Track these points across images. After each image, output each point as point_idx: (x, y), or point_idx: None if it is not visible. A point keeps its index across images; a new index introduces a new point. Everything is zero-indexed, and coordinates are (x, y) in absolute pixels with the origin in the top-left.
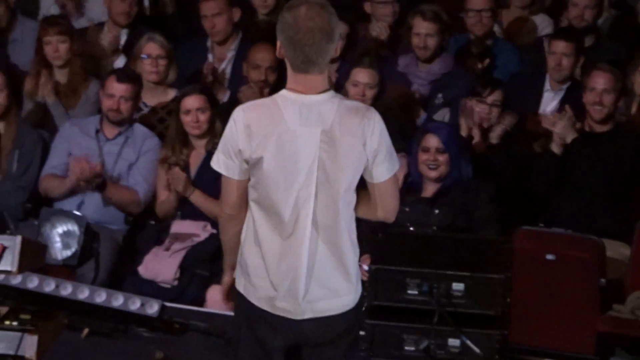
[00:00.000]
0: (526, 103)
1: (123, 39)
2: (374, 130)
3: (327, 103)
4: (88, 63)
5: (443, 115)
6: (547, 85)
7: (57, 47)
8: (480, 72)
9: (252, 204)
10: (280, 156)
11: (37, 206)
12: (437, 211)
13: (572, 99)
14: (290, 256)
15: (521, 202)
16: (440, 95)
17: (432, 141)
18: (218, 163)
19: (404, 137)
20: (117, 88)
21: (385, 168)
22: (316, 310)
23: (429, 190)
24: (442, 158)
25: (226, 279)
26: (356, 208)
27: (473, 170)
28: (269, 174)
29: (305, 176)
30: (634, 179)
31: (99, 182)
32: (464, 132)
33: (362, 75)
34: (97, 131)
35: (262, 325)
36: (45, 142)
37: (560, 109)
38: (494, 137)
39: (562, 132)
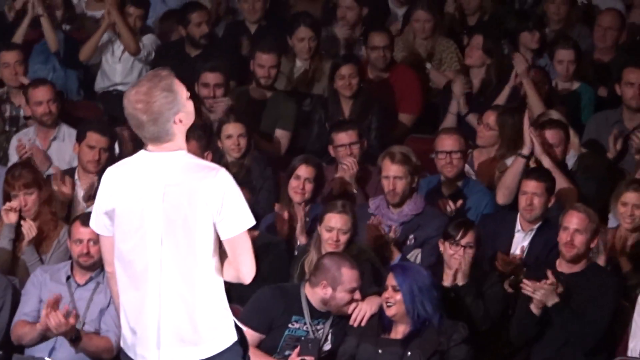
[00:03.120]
0: (498, 243)
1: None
2: (218, 186)
3: (174, 160)
4: (58, 208)
5: (415, 256)
6: (517, 226)
7: (24, 200)
8: (452, 214)
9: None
10: (128, 210)
11: (8, 353)
12: (409, 353)
13: (543, 239)
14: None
15: (495, 342)
16: (412, 237)
17: (390, 279)
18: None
19: (377, 281)
20: (84, 232)
21: (230, 224)
22: (168, 356)
23: (399, 331)
24: (396, 297)
25: None
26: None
27: (444, 311)
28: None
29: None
30: (602, 318)
31: (74, 335)
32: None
33: (335, 220)
34: (68, 277)
35: None
36: (15, 288)
37: (530, 248)
38: (460, 278)
39: (543, 298)
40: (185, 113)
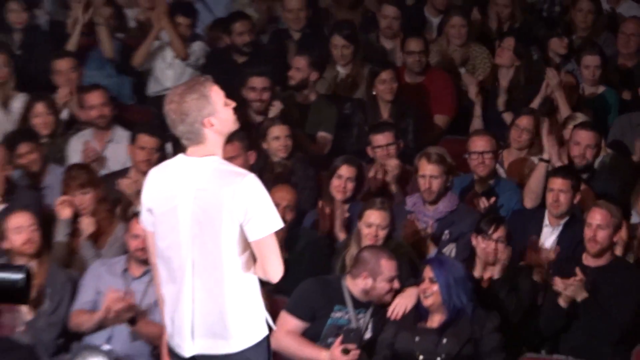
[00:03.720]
0: (527, 238)
1: None
2: (243, 191)
3: (205, 165)
4: (114, 207)
5: (450, 250)
6: (546, 221)
7: (81, 200)
8: (485, 210)
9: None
10: (165, 210)
11: (68, 341)
12: (445, 340)
13: (570, 234)
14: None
15: (525, 331)
16: (447, 232)
17: (427, 271)
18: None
19: (414, 273)
20: (140, 228)
21: (256, 228)
22: (201, 348)
23: (435, 320)
24: (433, 287)
25: None
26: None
27: (477, 303)
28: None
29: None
30: (627, 311)
31: (131, 316)
32: (475, 271)
33: (374, 217)
34: (125, 270)
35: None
36: (73, 281)
37: (558, 243)
38: (496, 272)
39: (572, 294)
40: (218, 119)
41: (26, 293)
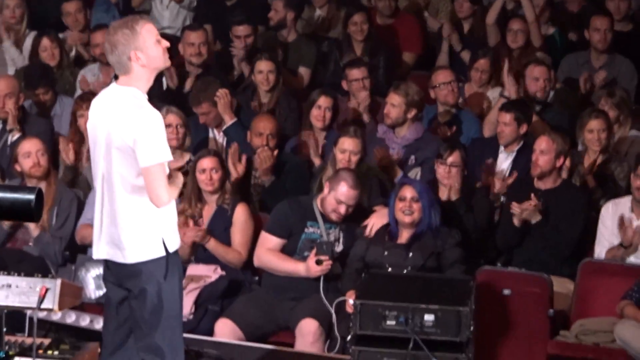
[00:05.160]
0: (484, 162)
1: None
2: (138, 123)
3: (123, 94)
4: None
5: (415, 173)
6: (501, 148)
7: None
8: (445, 138)
9: None
10: (91, 132)
11: (74, 253)
12: (411, 254)
13: (522, 160)
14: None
15: (483, 246)
16: (412, 157)
17: (408, 191)
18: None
19: (383, 193)
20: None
21: (143, 155)
22: (104, 253)
23: (404, 236)
24: (416, 206)
25: None
26: None
27: (441, 218)
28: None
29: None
30: (576, 228)
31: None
32: (435, 192)
33: (347, 143)
34: None
35: None
36: (79, 199)
37: (512, 167)
38: (452, 193)
39: (527, 216)
40: (145, 54)
41: (37, 212)
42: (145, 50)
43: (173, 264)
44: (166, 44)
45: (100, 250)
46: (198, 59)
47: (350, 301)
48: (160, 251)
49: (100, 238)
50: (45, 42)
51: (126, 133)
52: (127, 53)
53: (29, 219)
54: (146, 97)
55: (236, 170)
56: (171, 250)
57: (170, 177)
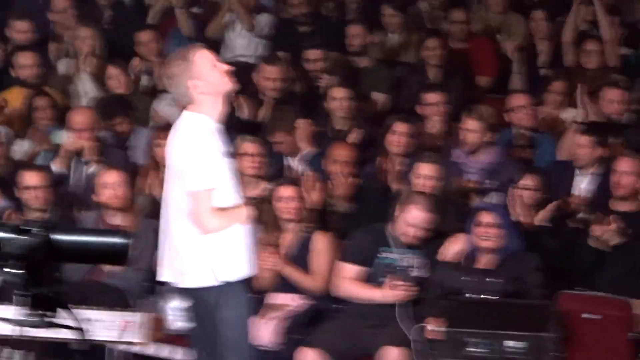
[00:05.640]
0: (562, 186)
1: None
2: (185, 147)
3: (184, 120)
4: None
5: (491, 198)
6: (577, 170)
7: None
8: (522, 161)
9: None
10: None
11: (153, 285)
12: (489, 279)
13: (599, 181)
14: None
15: (562, 270)
16: (488, 182)
17: (486, 217)
18: None
19: (460, 218)
20: None
21: (190, 180)
22: (168, 276)
23: (482, 261)
24: (494, 232)
25: None
26: None
27: (521, 243)
28: None
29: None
30: None
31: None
32: (513, 216)
33: (424, 169)
34: None
35: None
36: (157, 230)
37: (589, 190)
38: (538, 219)
39: (608, 238)
40: (203, 81)
41: (126, 256)
42: (202, 77)
43: (227, 294)
44: (225, 67)
45: (164, 272)
46: (273, 93)
47: (429, 327)
48: (210, 280)
49: (163, 260)
50: (112, 70)
51: (178, 157)
52: (185, 83)
53: (117, 263)
54: (216, 123)
55: (310, 197)
56: (222, 279)
57: (233, 207)
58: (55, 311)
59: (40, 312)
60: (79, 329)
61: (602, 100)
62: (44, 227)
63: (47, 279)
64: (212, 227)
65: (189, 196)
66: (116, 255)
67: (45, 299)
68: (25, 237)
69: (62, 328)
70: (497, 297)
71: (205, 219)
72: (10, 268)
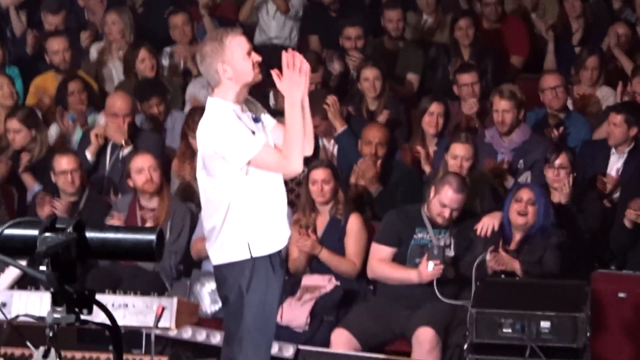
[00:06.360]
0: (596, 165)
1: None
2: (211, 130)
3: (209, 105)
4: None
5: (525, 178)
6: (612, 149)
7: None
8: (554, 140)
9: None
10: None
11: (189, 268)
12: (521, 258)
13: (633, 161)
14: None
15: (596, 249)
16: (521, 161)
17: (525, 194)
18: None
19: (495, 199)
20: None
21: (236, 158)
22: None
23: (516, 239)
24: (531, 209)
25: None
26: None
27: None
28: None
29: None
30: None
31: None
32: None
33: (459, 149)
34: None
35: None
36: (193, 213)
37: (623, 169)
38: (563, 197)
39: None
40: (233, 67)
41: (158, 252)
42: (232, 63)
43: (260, 271)
44: (257, 58)
45: (209, 249)
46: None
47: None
48: (242, 254)
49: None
50: (143, 53)
51: (204, 142)
52: (215, 66)
53: (149, 260)
54: (239, 108)
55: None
56: (257, 254)
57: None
58: (91, 309)
59: (76, 310)
60: (114, 327)
61: (633, 81)
62: (77, 225)
63: (81, 277)
64: (294, 164)
65: (253, 165)
66: (148, 252)
67: (80, 297)
68: (59, 236)
69: (97, 326)
70: (531, 278)
71: (278, 165)
72: (45, 267)
